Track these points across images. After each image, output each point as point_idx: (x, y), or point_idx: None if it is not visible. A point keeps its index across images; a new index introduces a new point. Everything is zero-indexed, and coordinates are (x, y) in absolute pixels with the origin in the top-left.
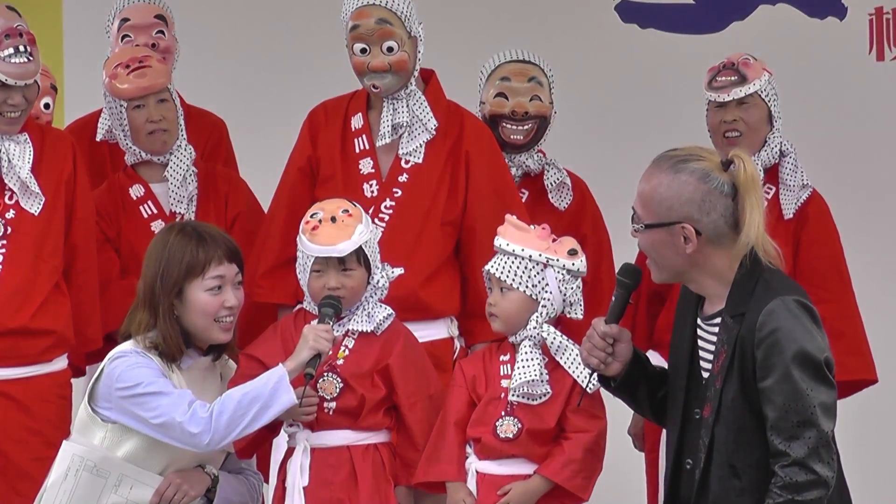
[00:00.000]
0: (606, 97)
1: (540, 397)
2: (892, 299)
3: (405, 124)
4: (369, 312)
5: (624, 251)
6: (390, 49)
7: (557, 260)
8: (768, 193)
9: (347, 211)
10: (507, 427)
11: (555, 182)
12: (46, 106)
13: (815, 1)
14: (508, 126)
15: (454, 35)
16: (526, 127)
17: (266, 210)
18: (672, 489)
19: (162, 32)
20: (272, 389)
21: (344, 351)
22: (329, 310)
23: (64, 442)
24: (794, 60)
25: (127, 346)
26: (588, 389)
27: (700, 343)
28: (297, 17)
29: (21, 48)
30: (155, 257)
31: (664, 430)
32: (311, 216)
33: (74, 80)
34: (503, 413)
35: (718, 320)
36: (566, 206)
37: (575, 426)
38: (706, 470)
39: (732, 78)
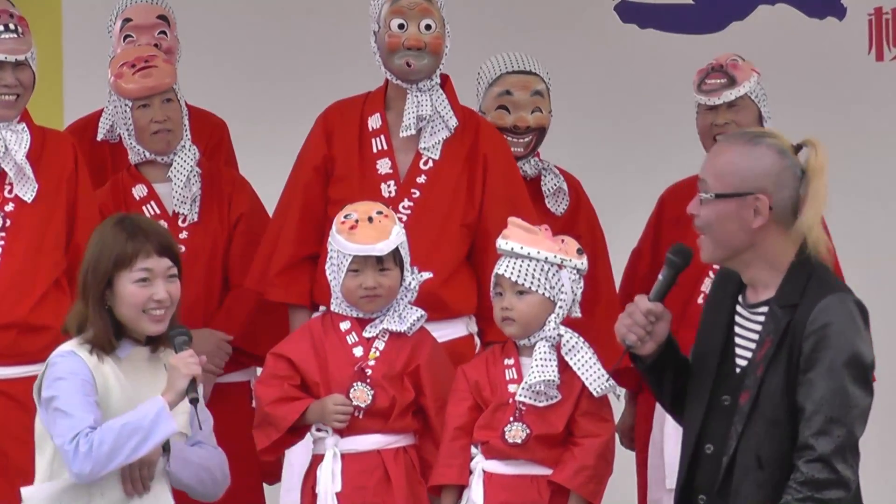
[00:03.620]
0: (605, 97)
1: (549, 399)
2: (891, 300)
3: (427, 118)
4: (401, 314)
5: (621, 249)
6: (428, 27)
7: (570, 260)
8: None
9: (382, 212)
10: (516, 432)
11: (552, 188)
12: None
13: (814, 1)
14: (509, 138)
15: (451, 34)
16: (526, 139)
17: (267, 210)
18: (689, 475)
19: (164, 33)
20: (152, 421)
21: (375, 353)
22: (182, 338)
23: (21, 490)
24: (793, 60)
25: (66, 346)
26: (595, 393)
27: (738, 330)
28: (299, 17)
29: (10, 26)
30: (90, 249)
31: (654, 430)
32: (346, 217)
33: (74, 80)
34: (511, 419)
35: (764, 309)
36: (563, 211)
37: (584, 430)
38: (733, 458)
39: (722, 80)
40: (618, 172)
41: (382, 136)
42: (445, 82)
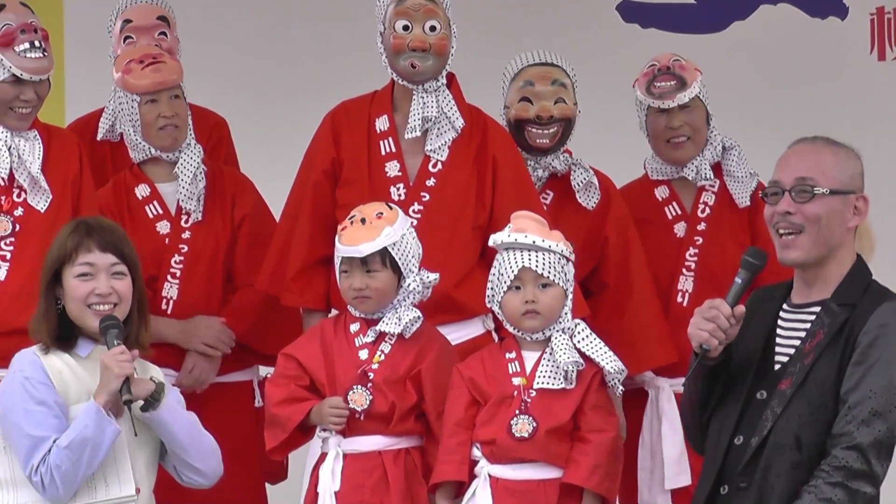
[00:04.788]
0: (607, 97)
1: (569, 383)
2: None
3: (433, 119)
4: (399, 316)
5: None
6: (433, 28)
7: (572, 253)
8: (713, 187)
9: (381, 213)
10: (522, 426)
11: (582, 182)
12: None
13: (816, 0)
14: (534, 130)
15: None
16: (551, 130)
17: (271, 210)
18: (721, 465)
19: (164, 34)
20: (95, 427)
21: (380, 356)
22: (113, 330)
23: None
24: (795, 60)
25: (30, 348)
26: (612, 370)
27: (780, 332)
28: (302, 16)
29: (36, 43)
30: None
31: (643, 432)
32: (350, 217)
33: (75, 79)
34: (517, 412)
35: (817, 308)
36: (594, 205)
37: (593, 425)
38: (765, 439)
39: (671, 83)
40: (619, 171)
41: (390, 139)
42: (451, 82)
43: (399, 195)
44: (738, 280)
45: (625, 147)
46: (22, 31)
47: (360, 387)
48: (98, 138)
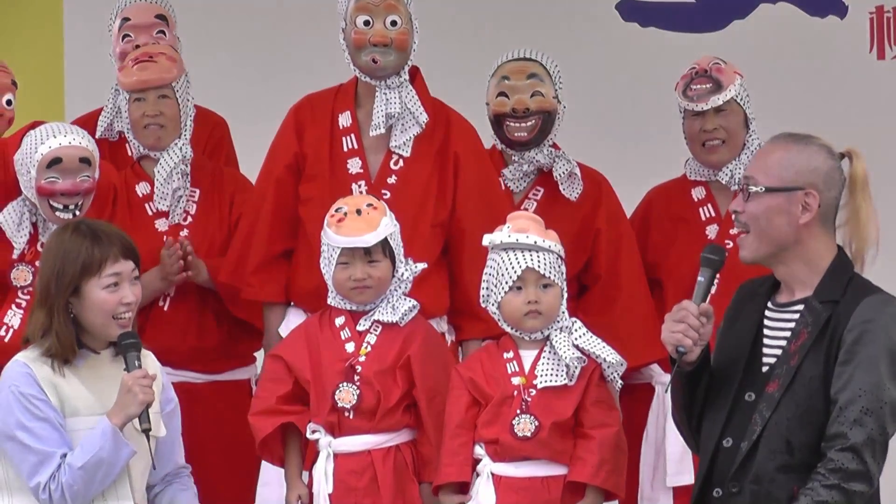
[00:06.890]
0: (606, 96)
1: (570, 380)
2: None
3: (396, 115)
4: (394, 305)
5: None
6: (394, 23)
7: (562, 252)
8: None
9: (372, 205)
10: (524, 425)
11: (564, 173)
12: (9, 103)
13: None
14: (512, 124)
15: (453, 34)
16: (529, 123)
17: None
18: (708, 473)
19: (163, 32)
20: (112, 448)
21: (366, 348)
22: (133, 353)
23: None
24: (794, 59)
25: (20, 357)
26: (614, 362)
27: (766, 332)
28: (301, 16)
29: (71, 206)
30: (51, 257)
31: (648, 427)
32: (336, 210)
33: (75, 78)
34: (518, 411)
35: (800, 307)
36: (577, 195)
37: (595, 420)
38: (755, 443)
39: (707, 85)
40: (619, 171)
41: (353, 135)
42: (415, 76)
43: (360, 192)
44: (700, 279)
45: (622, 145)
46: (62, 194)
47: (346, 384)
48: (96, 136)
